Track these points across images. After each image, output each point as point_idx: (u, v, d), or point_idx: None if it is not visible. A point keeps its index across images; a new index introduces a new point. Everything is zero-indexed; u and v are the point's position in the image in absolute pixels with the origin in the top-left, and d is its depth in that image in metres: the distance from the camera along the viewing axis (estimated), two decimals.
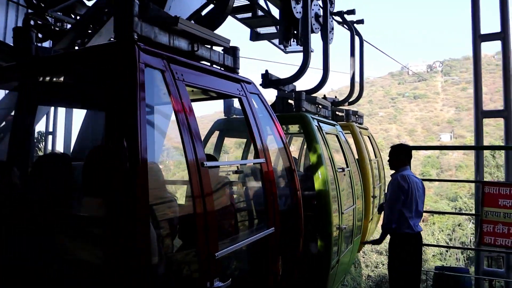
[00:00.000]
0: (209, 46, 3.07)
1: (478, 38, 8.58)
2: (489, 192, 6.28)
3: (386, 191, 5.53)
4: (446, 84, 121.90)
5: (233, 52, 3.31)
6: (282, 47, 7.40)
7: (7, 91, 2.81)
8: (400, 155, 5.32)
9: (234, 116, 5.35)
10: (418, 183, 5.20)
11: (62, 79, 2.76)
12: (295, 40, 6.19)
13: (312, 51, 7.45)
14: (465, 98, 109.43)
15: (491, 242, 6.14)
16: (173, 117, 2.27)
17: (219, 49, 3.25)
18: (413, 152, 5.57)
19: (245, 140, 6.65)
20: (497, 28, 8.45)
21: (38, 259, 2.11)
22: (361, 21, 9.40)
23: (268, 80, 5.53)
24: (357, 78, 9.16)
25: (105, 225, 1.83)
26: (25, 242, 2.16)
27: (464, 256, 35.99)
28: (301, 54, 5.74)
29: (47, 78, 2.74)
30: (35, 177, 2.50)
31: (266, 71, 5.60)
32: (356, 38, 9.06)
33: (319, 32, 6.63)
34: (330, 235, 4.36)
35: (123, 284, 1.76)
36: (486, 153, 55.67)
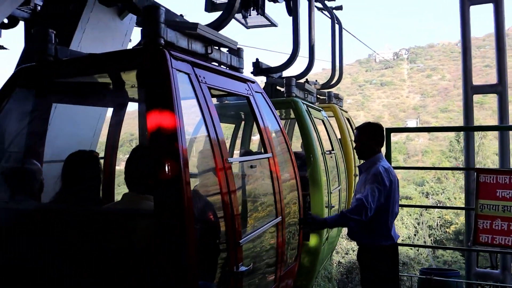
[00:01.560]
0: (216, 48, 3.26)
1: (467, 0, 7.45)
2: (485, 181, 5.24)
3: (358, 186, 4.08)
4: (412, 71, 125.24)
5: (237, 53, 3.52)
6: (243, 21, 6.74)
7: (30, 92, 2.93)
8: (377, 137, 4.01)
9: (226, 101, 5.50)
10: (395, 177, 3.92)
11: (88, 80, 2.90)
12: (255, 9, 5.82)
13: (275, 25, 7.43)
14: (430, 85, 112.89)
15: (488, 241, 5.16)
16: (199, 117, 2.48)
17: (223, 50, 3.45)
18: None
19: (233, 125, 6.84)
20: None
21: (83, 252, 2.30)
22: (339, 7, 9.57)
23: (259, 68, 5.79)
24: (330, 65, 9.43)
25: (153, 218, 2.04)
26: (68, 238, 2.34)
27: (431, 240, 37.52)
28: (262, 29, 5.67)
29: (71, 79, 2.89)
30: (69, 175, 2.66)
31: (257, 59, 5.84)
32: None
33: (284, 1, 6.34)
34: (321, 212, 4.71)
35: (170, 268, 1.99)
36: (451, 137, 57.42)
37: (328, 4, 9.19)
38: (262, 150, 3.41)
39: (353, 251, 28.86)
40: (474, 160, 7.13)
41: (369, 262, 3.85)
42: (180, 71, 2.41)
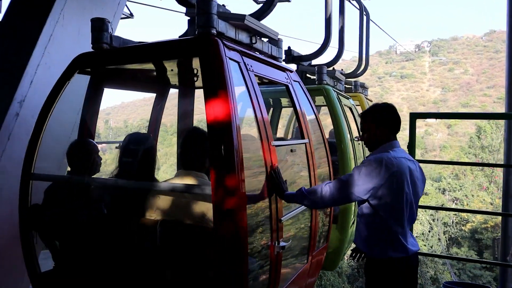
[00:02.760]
0: (259, 38, 3.45)
1: None
2: None
3: None
4: (434, 65, 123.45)
5: (277, 43, 3.70)
6: None
7: (91, 79, 3.15)
8: (388, 120, 3.13)
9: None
10: (414, 170, 3.07)
11: (137, 67, 3.12)
12: None
13: (289, 1, 7.50)
14: (452, 79, 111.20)
15: None
16: (249, 103, 2.68)
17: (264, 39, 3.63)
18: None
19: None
20: None
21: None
22: None
23: (291, 56, 5.98)
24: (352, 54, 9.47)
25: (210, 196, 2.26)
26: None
27: (446, 237, 37.28)
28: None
29: (126, 66, 3.12)
30: (127, 153, 2.92)
31: (289, 47, 6.02)
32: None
33: None
34: None
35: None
36: (471, 133, 55.64)
37: None
38: (300, 136, 3.61)
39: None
40: None
41: (373, 277, 3.10)
42: (232, 59, 2.60)
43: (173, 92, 4.53)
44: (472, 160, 45.50)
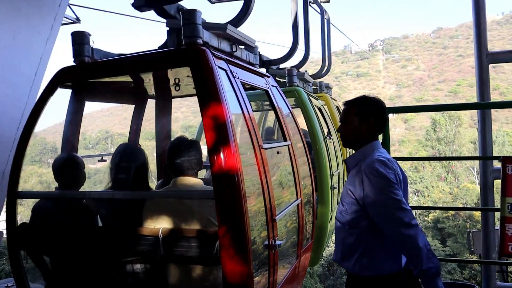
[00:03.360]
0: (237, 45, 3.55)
1: None
2: None
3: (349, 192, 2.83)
4: (387, 62, 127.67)
5: (253, 50, 3.81)
6: None
7: (78, 92, 3.13)
8: (378, 117, 2.84)
9: None
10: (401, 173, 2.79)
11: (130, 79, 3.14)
12: None
13: None
14: (405, 75, 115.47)
15: None
16: (238, 109, 2.77)
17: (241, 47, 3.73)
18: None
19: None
20: None
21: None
22: (327, 0, 9.92)
23: (261, 61, 6.09)
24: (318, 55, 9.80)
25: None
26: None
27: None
28: (229, 3, 5.86)
29: (110, 79, 3.13)
30: (119, 164, 2.93)
31: (259, 52, 6.14)
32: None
33: None
34: (327, 193, 5.09)
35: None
36: (427, 126, 57.84)
37: None
38: (271, 137, 3.74)
39: (334, 243, 28.75)
40: (492, 147, 5.63)
41: None
42: (220, 67, 2.69)
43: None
44: (429, 152, 47.30)
